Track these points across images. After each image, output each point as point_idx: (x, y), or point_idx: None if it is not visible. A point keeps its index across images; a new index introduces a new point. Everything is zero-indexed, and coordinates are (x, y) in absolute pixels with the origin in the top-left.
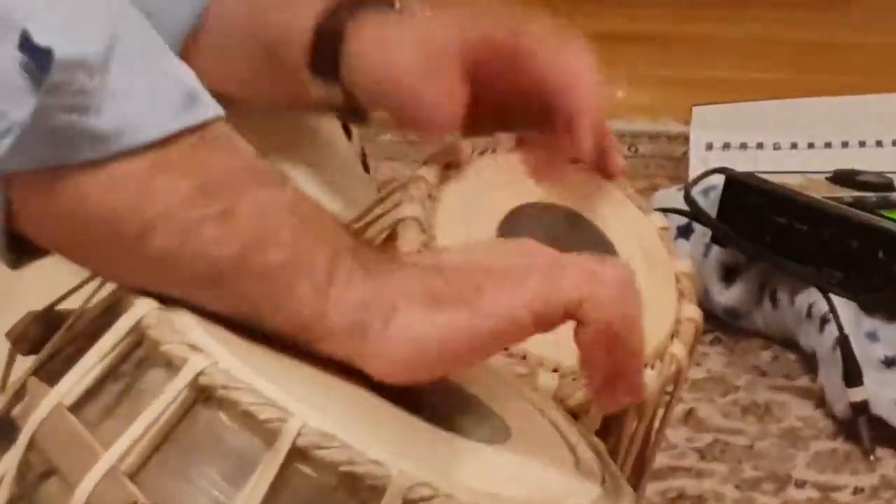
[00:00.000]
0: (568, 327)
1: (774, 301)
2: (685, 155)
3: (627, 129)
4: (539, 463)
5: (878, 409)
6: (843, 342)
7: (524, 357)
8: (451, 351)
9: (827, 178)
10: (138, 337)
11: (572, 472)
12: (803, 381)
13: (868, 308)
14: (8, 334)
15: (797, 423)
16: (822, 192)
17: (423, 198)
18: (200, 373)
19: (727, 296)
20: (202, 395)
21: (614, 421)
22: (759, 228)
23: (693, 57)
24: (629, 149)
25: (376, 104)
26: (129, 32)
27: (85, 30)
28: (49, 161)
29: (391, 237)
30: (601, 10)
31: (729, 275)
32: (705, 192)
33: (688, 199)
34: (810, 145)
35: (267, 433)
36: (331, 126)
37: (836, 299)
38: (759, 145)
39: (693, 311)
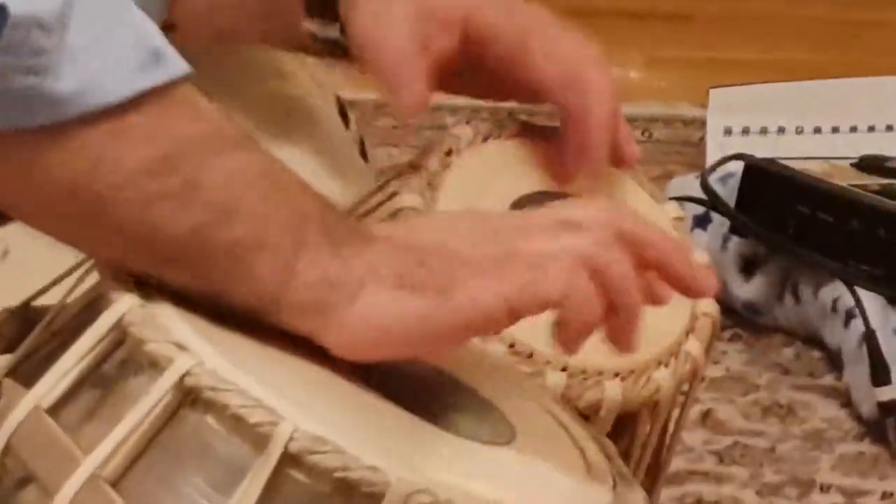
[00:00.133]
0: None
1: (797, 295)
2: (702, 140)
3: (641, 113)
4: (546, 466)
5: None
6: (869, 338)
7: (531, 355)
8: (416, 336)
9: (852, 165)
10: (120, 335)
11: (582, 476)
12: (828, 379)
13: None
14: None
15: (821, 424)
16: (847, 179)
17: (422, 186)
18: (186, 373)
19: (747, 290)
20: (188, 397)
21: (627, 422)
22: (781, 218)
23: (711, 37)
24: (643, 134)
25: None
26: None
27: None
28: (5, 124)
29: None
30: None
31: (748, 267)
32: (723, 179)
33: (705, 187)
34: (834, 129)
35: (257, 438)
36: (328, 113)
37: (862, 293)
38: (781, 130)
39: (710, 306)
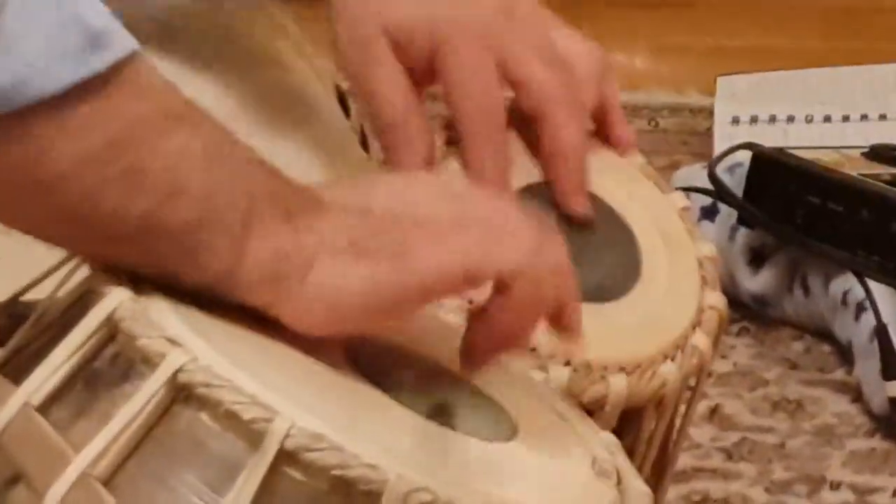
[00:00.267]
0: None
1: (806, 288)
2: (709, 129)
3: (647, 101)
4: (549, 462)
5: None
6: (881, 332)
7: (534, 349)
8: (374, 305)
9: (863, 154)
10: (111, 330)
11: (586, 472)
12: (838, 374)
13: None
14: None
15: (832, 419)
16: (858, 168)
17: None
18: (179, 369)
19: (755, 282)
20: (181, 393)
21: (632, 417)
22: (790, 209)
23: (718, 23)
24: (649, 123)
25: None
26: None
27: None
28: None
29: None
30: None
31: (757, 259)
32: (731, 169)
33: (712, 177)
34: (845, 118)
35: (252, 434)
36: (328, 102)
37: (873, 285)
38: (790, 118)
39: (717, 299)
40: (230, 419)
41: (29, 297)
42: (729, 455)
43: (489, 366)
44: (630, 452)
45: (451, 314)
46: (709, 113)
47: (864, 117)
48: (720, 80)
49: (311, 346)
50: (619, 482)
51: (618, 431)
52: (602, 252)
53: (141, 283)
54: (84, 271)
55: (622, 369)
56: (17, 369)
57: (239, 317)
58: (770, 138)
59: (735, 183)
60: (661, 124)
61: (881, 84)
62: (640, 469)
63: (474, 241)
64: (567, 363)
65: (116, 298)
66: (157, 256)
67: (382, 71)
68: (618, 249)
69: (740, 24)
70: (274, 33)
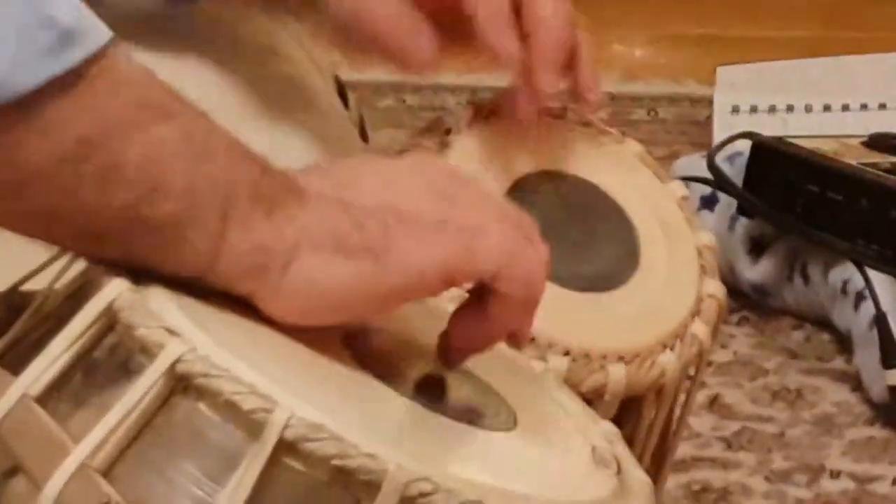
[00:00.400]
0: (577, 310)
1: (806, 277)
2: (709, 119)
3: (646, 91)
4: (548, 451)
5: None
6: (880, 321)
7: (533, 339)
8: (352, 301)
9: (863, 143)
10: (110, 320)
11: (586, 462)
12: (838, 363)
13: None
14: None
15: (831, 408)
16: (857, 157)
17: None
18: (178, 360)
19: (755, 271)
20: (180, 384)
21: (632, 407)
22: (790, 198)
23: (717, 13)
24: (648, 113)
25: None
26: None
27: None
28: None
29: None
30: None
31: (756, 249)
32: (731, 158)
33: (711, 166)
34: (844, 107)
35: (251, 425)
36: (326, 93)
37: (872, 274)
38: (789, 108)
39: (716, 288)
40: (229, 409)
41: (27, 287)
42: (729, 444)
43: (489, 354)
44: (630, 442)
45: (450, 304)
46: (708, 102)
47: (863, 106)
48: (720, 69)
49: (309, 335)
50: (618, 471)
51: (617, 421)
52: (601, 241)
53: (140, 273)
54: (82, 262)
55: (621, 359)
56: (16, 360)
57: (237, 307)
58: (770, 128)
59: (735, 172)
60: (660, 114)
61: (880, 74)
62: (639, 458)
63: (455, 242)
64: (566, 353)
65: (115, 289)
66: (139, 250)
67: None
68: (617, 239)
69: (740, 14)
70: (273, 25)
